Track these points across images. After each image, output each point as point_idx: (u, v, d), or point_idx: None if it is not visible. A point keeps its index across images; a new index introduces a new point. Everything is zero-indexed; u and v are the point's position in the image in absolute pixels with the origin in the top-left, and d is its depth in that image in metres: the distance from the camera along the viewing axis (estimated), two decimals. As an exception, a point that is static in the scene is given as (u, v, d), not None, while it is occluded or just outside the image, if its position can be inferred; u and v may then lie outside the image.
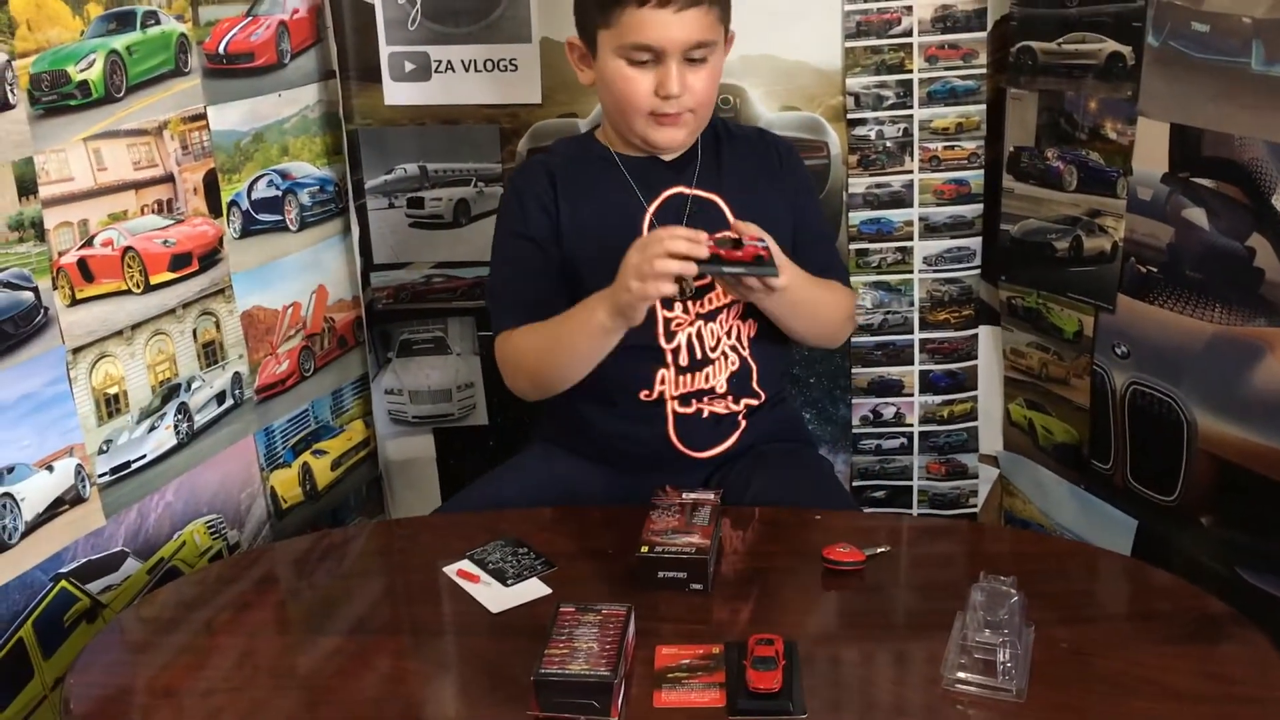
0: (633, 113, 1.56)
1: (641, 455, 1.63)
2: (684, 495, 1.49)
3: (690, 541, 1.37)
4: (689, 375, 1.62)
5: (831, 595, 1.36)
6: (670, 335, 1.61)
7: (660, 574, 1.34)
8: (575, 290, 1.60)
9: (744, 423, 1.66)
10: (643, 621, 1.25)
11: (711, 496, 1.48)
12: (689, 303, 1.61)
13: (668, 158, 1.64)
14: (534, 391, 1.64)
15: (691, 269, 1.41)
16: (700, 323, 1.62)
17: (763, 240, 1.44)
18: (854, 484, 2.17)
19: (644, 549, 1.36)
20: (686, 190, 1.63)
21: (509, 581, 1.39)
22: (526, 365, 1.62)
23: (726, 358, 1.63)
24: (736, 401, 1.65)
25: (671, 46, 1.51)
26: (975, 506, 2.18)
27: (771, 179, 1.68)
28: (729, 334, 1.65)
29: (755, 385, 1.66)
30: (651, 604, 1.30)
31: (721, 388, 1.64)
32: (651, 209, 1.62)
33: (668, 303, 1.61)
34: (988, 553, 1.47)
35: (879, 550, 1.40)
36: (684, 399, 1.63)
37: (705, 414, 1.63)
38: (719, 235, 1.43)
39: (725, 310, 1.63)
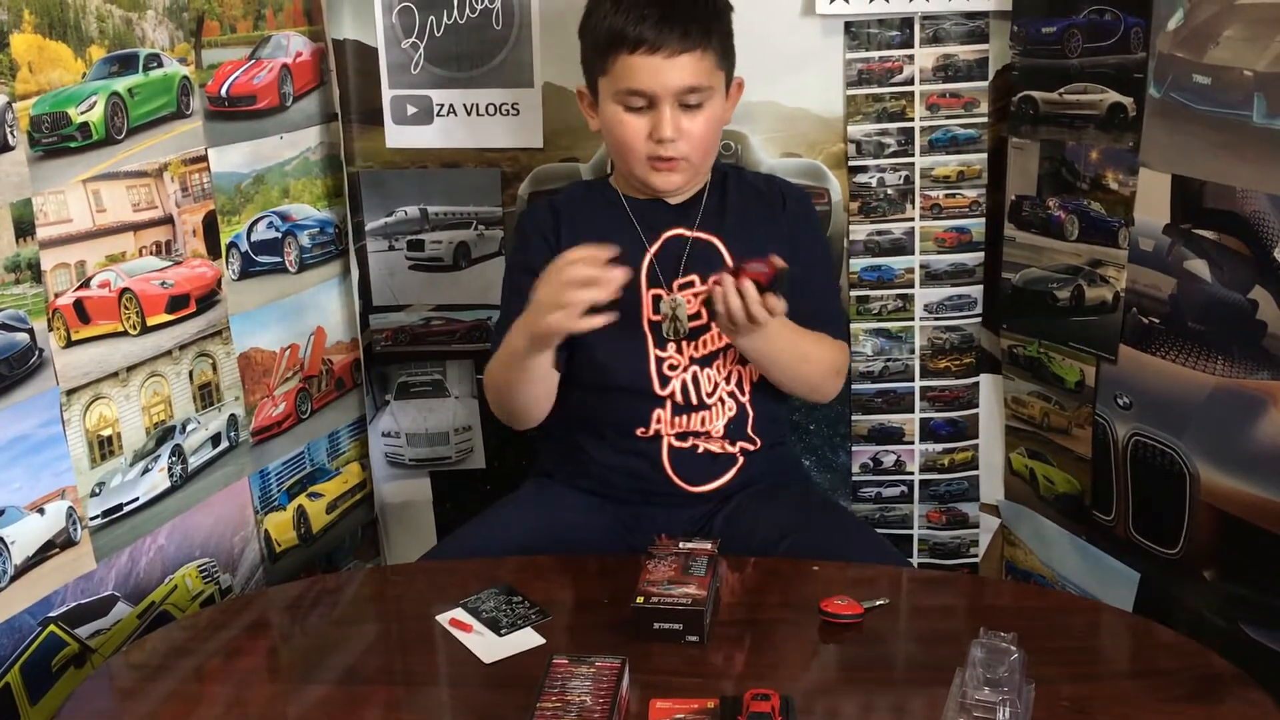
0: (631, 157, 1.60)
1: (637, 488, 1.65)
2: (680, 544, 1.48)
3: (686, 593, 1.35)
4: (685, 416, 1.63)
5: (829, 648, 1.35)
6: (664, 380, 1.62)
7: (656, 625, 1.33)
8: None
9: (741, 459, 1.67)
10: (637, 674, 1.23)
11: (709, 546, 1.47)
12: (682, 343, 1.62)
13: (673, 201, 1.66)
14: (508, 419, 1.68)
15: (602, 295, 1.41)
16: (696, 368, 1.63)
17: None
18: (847, 509, 2.13)
19: (639, 599, 1.35)
20: (686, 232, 1.66)
21: (502, 631, 1.37)
22: (490, 395, 1.68)
23: (724, 403, 1.64)
24: (733, 444, 1.67)
25: (663, 92, 1.54)
26: (976, 556, 2.16)
27: (772, 222, 1.69)
28: (727, 379, 1.65)
29: (751, 431, 1.67)
30: (646, 655, 1.28)
31: (718, 432, 1.65)
32: (652, 250, 1.65)
33: (660, 341, 1.62)
34: (988, 606, 1.45)
35: (877, 603, 1.39)
36: (680, 435, 1.64)
37: (701, 450, 1.65)
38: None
39: (722, 355, 1.64)
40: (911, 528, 2.15)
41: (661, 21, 1.52)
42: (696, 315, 1.63)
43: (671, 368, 1.64)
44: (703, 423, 1.64)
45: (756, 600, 1.46)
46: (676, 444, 1.65)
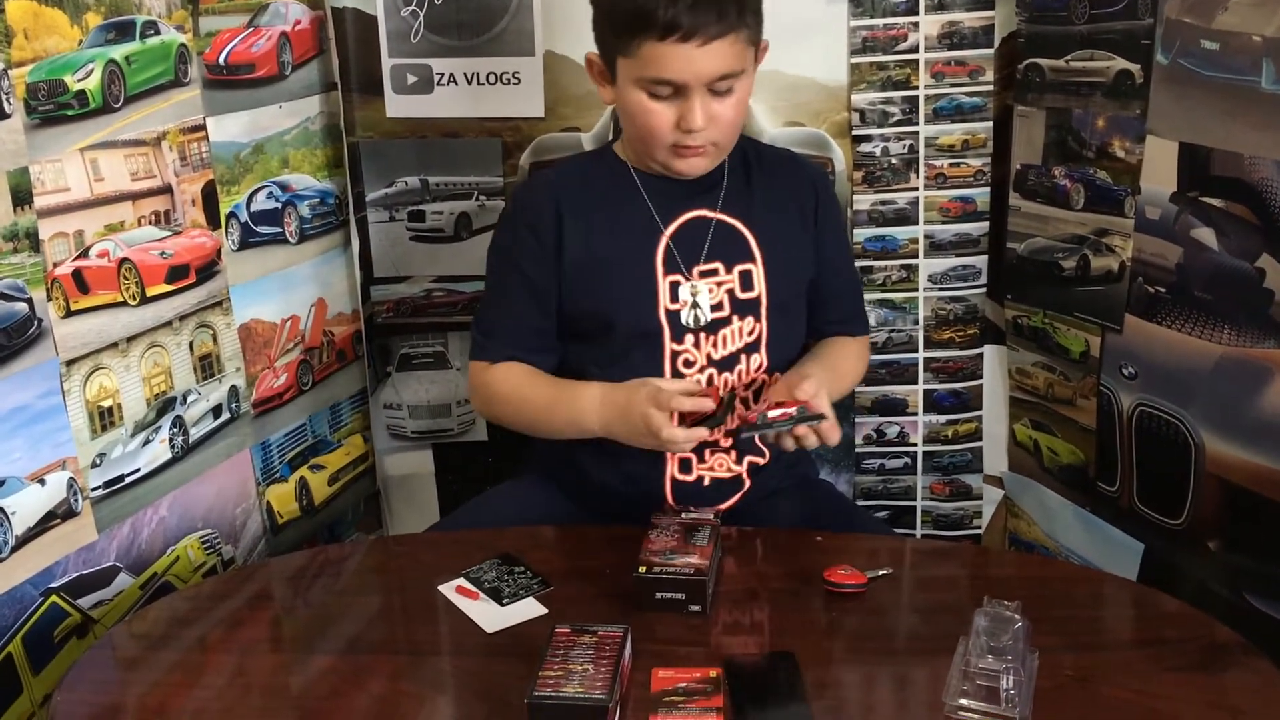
0: (655, 144, 1.47)
1: (633, 509, 1.51)
2: (683, 515, 1.47)
3: (689, 562, 1.34)
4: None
5: (832, 618, 1.33)
6: (679, 379, 1.54)
7: (658, 595, 1.32)
8: (577, 314, 1.55)
9: (748, 482, 1.59)
10: (639, 643, 1.23)
11: (710, 517, 1.46)
12: (700, 335, 1.54)
13: (690, 177, 1.54)
14: (505, 426, 1.63)
15: (701, 433, 1.40)
16: (712, 370, 1.55)
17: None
18: (856, 504, 2.13)
19: (642, 569, 1.34)
20: (709, 214, 1.54)
21: (504, 601, 1.37)
22: (501, 411, 1.61)
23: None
24: (739, 460, 1.58)
25: (695, 81, 1.40)
26: (979, 528, 2.15)
27: (802, 210, 1.60)
28: (747, 388, 1.57)
29: (760, 441, 1.57)
30: (649, 625, 1.28)
31: (725, 441, 1.56)
32: (669, 231, 1.53)
33: (678, 332, 1.54)
34: (992, 576, 1.44)
35: (881, 572, 1.38)
36: (684, 464, 1.56)
37: (707, 481, 1.57)
38: (725, 394, 1.47)
39: (744, 359, 1.56)
40: (915, 499, 2.14)
41: (696, 4, 1.35)
42: (718, 306, 1.53)
43: (688, 365, 1.53)
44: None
45: (759, 570, 1.46)
46: (680, 477, 1.56)
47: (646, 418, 1.41)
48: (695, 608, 1.32)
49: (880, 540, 1.51)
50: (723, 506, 1.57)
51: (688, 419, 1.42)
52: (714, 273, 1.54)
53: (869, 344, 1.74)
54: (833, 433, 1.43)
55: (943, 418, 2.09)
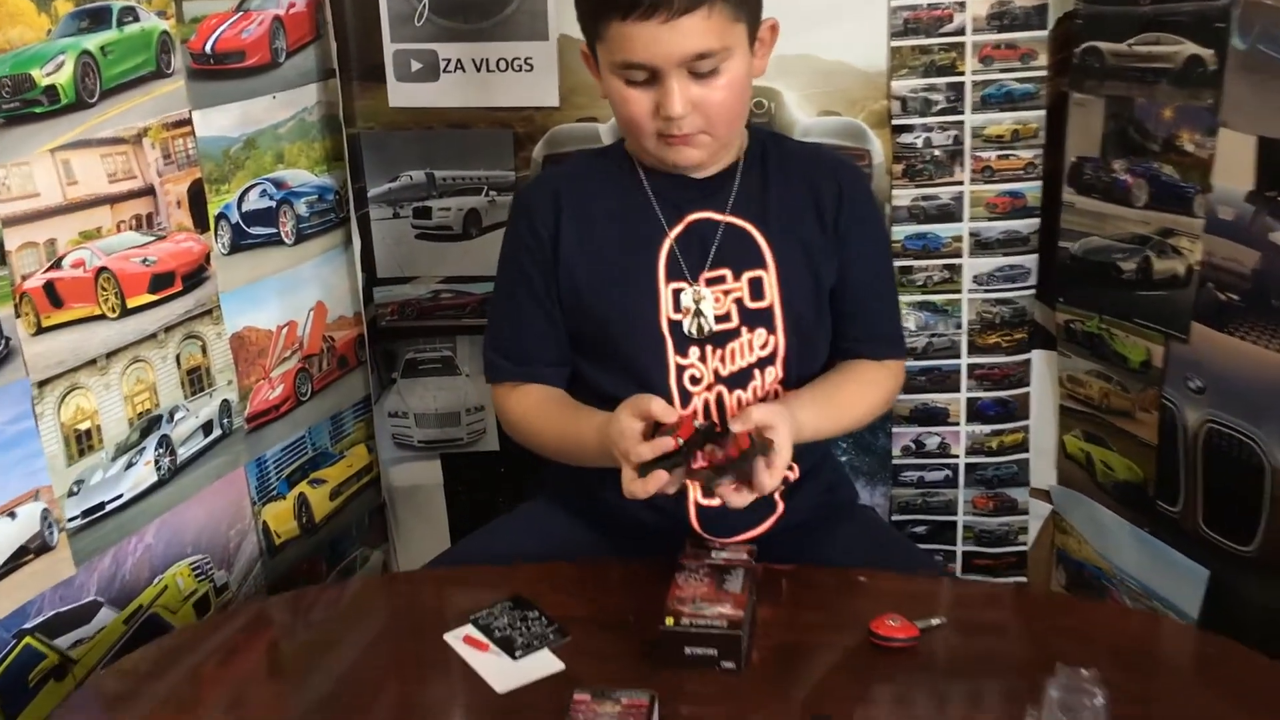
0: (639, 134, 1.36)
1: (655, 537, 1.40)
2: (713, 554, 1.34)
3: (721, 613, 1.22)
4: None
5: (881, 676, 1.20)
6: (686, 397, 1.42)
7: (688, 650, 1.20)
8: (575, 321, 1.46)
9: (780, 505, 1.46)
10: (667, 705, 1.11)
11: (744, 557, 1.33)
12: (706, 348, 1.42)
13: (699, 175, 1.43)
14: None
15: (659, 479, 1.24)
16: (722, 388, 1.42)
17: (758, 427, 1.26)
18: (893, 518, 2.03)
19: (669, 620, 1.21)
20: (717, 216, 1.43)
21: (517, 653, 1.24)
22: (524, 441, 1.52)
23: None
24: None
25: (666, 62, 1.28)
26: (1025, 545, 2.04)
27: (823, 208, 1.46)
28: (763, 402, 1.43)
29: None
30: (677, 683, 1.16)
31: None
32: (673, 234, 1.42)
33: (681, 344, 1.42)
34: (1063, 628, 1.29)
35: (934, 622, 1.25)
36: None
37: None
38: (700, 423, 1.30)
39: (757, 374, 1.43)
40: (956, 514, 2.03)
41: None
42: (725, 317, 1.42)
43: (695, 381, 1.42)
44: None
45: (798, 618, 1.32)
46: (706, 501, 1.40)
47: (617, 461, 1.29)
48: (729, 665, 1.19)
49: (933, 582, 1.38)
50: (754, 533, 1.44)
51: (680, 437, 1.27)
52: (720, 280, 1.43)
53: (899, 371, 1.57)
54: (765, 477, 1.24)
55: (987, 428, 1.98)
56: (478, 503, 2.09)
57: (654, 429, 1.28)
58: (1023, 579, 2.02)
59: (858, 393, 1.48)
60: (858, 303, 1.49)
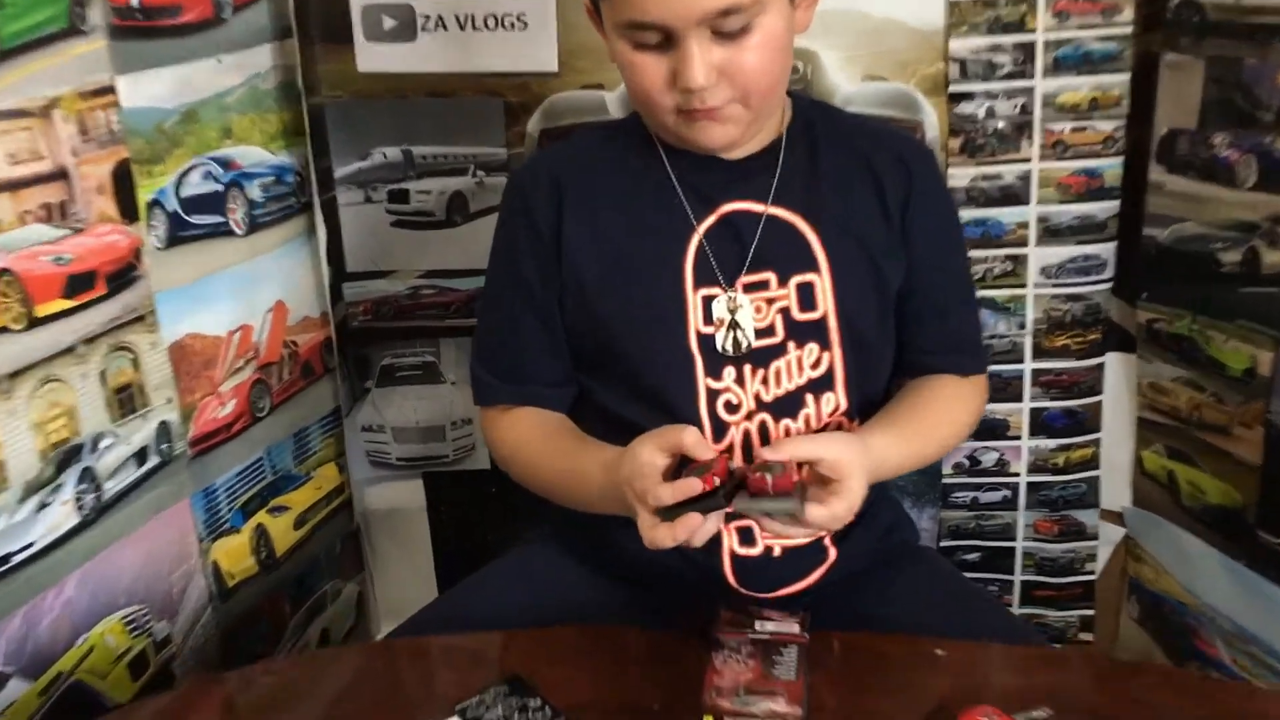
0: (654, 109, 1.14)
1: (680, 590, 1.20)
2: (757, 624, 1.10)
3: (773, 710, 0.98)
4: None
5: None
6: (720, 427, 1.19)
7: (733, 760, 0.96)
8: (581, 335, 1.25)
9: (832, 552, 1.23)
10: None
11: (795, 630, 1.09)
12: (745, 367, 1.20)
13: (732, 156, 1.20)
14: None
15: (692, 523, 1.03)
16: (765, 416, 1.20)
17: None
18: (942, 544, 1.84)
19: (708, 719, 0.97)
20: (756, 207, 1.20)
21: (515, 761, 1.00)
22: (517, 476, 1.31)
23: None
24: None
25: (682, 22, 1.07)
26: (1093, 573, 1.85)
27: (886, 196, 1.24)
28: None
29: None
30: (719, 804, 0.93)
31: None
32: (702, 229, 1.20)
33: (714, 365, 1.21)
34: (1205, 715, 1.05)
35: (1036, 716, 1.00)
36: (745, 532, 1.20)
37: (777, 552, 1.21)
38: (737, 467, 1.10)
39: (811, 401, 1.21)
40: (1014, 539, 1.84)
41: None
42: (768, 330, 1.19)
43: (731, 409, 1.19)
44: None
45: (860, 703, 1.07)
46: (742, 551, 1.21)
47: (631, 505, 1.08)
48: (784, 778, 0.95)
49: (1028, 651, 1.13)
50: (801, 586, 1.22)
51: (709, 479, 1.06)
52: (763, 285, 1.21)
53: (983, 388, 1.35)
54: (819, 512, 1.04)
55: (1052, 442, 1.79)
56: (465, 528, 1.92)
57: (676, 468, 1.07)
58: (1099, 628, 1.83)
59: (944, 416, 1.27)
60: (933, 308, 1.27)
